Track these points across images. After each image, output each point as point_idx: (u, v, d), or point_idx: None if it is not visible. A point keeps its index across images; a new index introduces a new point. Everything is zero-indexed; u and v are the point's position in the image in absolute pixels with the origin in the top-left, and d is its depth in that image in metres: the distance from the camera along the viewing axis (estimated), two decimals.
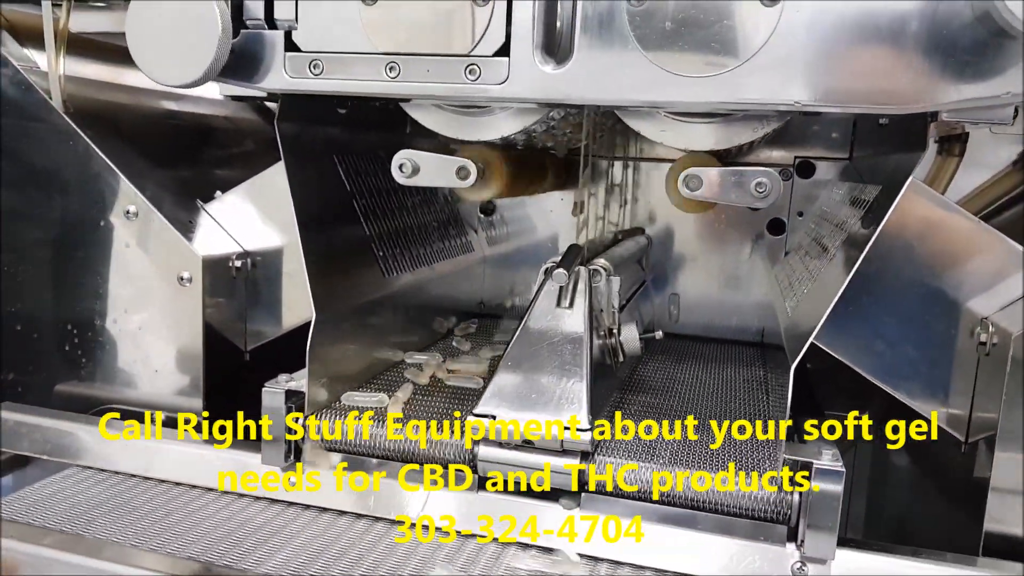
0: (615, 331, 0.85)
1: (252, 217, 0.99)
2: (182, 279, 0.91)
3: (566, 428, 0.69)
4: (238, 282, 0.97)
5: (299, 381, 0.78)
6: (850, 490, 1.24)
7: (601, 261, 0.85)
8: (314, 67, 0.73)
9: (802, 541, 0.65)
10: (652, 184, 1.30)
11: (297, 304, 1.01)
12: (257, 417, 0.79)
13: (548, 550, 0.71)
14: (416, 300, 1.06)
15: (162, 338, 0.93)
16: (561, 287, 0.79)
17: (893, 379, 0.82)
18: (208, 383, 0.93)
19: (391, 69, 0.71)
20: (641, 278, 1.20)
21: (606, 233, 1.19)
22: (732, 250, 1.27)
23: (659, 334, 0.87)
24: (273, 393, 0.77)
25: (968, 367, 0.78)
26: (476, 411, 0.72)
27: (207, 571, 0.65)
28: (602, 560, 0.70)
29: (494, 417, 0.71)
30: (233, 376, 0.98)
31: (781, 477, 0.66)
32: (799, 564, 0.66)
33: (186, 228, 0.93)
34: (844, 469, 0.64)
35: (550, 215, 1.35)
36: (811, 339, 0.65)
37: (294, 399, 0.77)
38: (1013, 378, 0.69)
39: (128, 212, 0.91)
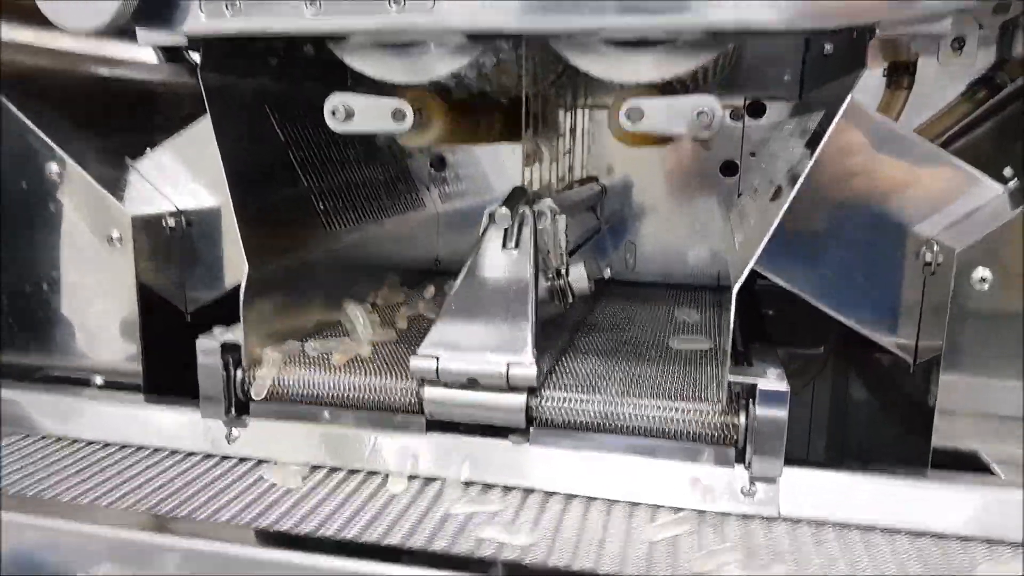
0: (563, 272, 0.83)
1: (184, 174, 0.95)
2: (111, 239, 0.87)
3: (511, 365, 0.67)
4: (173, 242, 0.94)
5: (235, 333, 0.75)
6: (810, 421, 1.25)
7: (547, 201, 0.83)
8: (230, 7, 0.70)
9: (750, 462, 0.65)
10: (606, 132, 1.28)
11: (238, 264, 0.98)
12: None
13: (502, 487, 0.70)
14: (365, 256, 1.04)
15: (97, 302, 0.90)
16: (506, 229, 0.77)
17: (841, 306, 0.82)
18: (147, 346, 0.91)
19: (312, 3, 0.68)
20: (595, 226, 1.19)
21: (559, 182, 1.17)
22: (687, 195, 1.26)
23: (608, 272, 0.86)
24: (207, 346, 0.74)
25: (915, 290, 0.78)
26: (419, 352, 0.70)
27: (163, 525, 0.63)
28: (554, 494, 0.69)
29: (437, 359, 0.69)
30: (175, 338, 0.95)
31: (727, 400, 0.65)
32: (747, 484, 0.65)
33: (114, 186, 0.89)
34: (788, 388, 0.63)
35: (504, 168, 1.32)
36: (752, 262, 0.63)
37: (231, 352, 0.75)
38: (956, 295, 0.69)
39: (52, 172, 0.87)
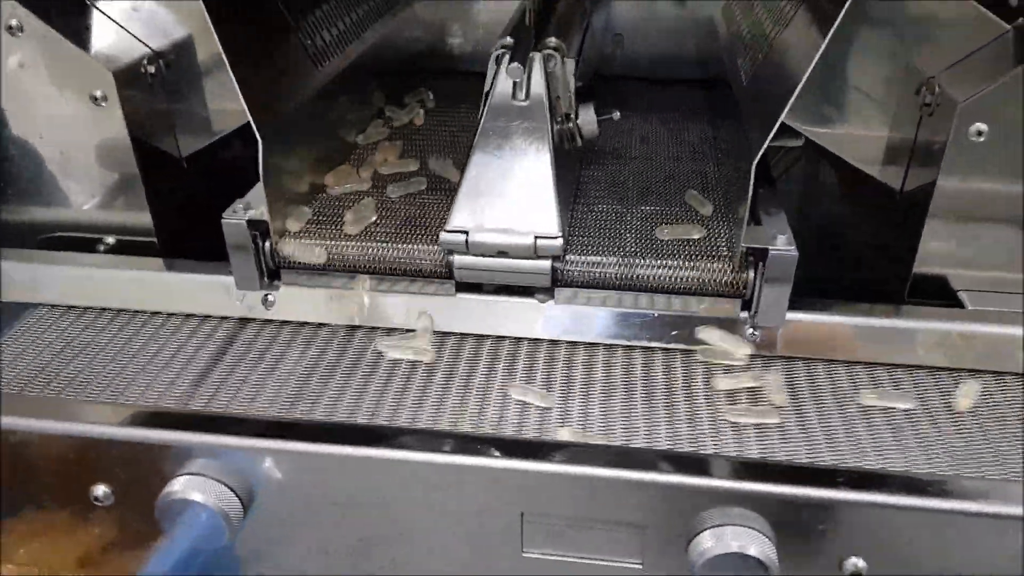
0: (572, 116, 0.83)
1: (150, 8, 0.88)
2: (95, 99, 0.82)
3: (538, 238, 0.71)
4: (156, 88, 0.89)
5: (258, 209, 0.76)
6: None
7: (553, 42, 0.80)
8: None
9: (756, 312, 0.72)
10: None
11: (224, 100, 0.95)
12: (211, 230, 0.78)
13: (530, 340, 0.78)
14: (354, 79, 1.00)
15: (91, 161, 0.87)
16: (515, 82, 0.76)
17: (839, 142, 0.85)
18: (152, 198, 0.90)
19: None
20: (584, 25, 1.14)
21: None
22: None
23: (616, 115, 0.86)
24: (234, 225, 0.75)
25: (908, 125, 0.81)
26: (448, 228, 0.73)
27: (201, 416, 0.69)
28: (577, 344, 0.77)
29: (466, 234, 0.72)
30: (176, 187, 0.94)
31: (740, 260, 0.71)
32: (751, 331, 0.74)
33: (82, 37, 0.83)
34: (797, 253, 0.69)
35: None
36: (775, 129, 0.65)
37: (256, 227, 0.76)
38: (953, 146, 0.73)
39: (11, 27, 0.79)
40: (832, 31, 0.63)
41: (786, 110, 0.64)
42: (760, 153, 0.66)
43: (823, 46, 0.64)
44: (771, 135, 0.65)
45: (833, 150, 0.89)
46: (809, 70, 0.64)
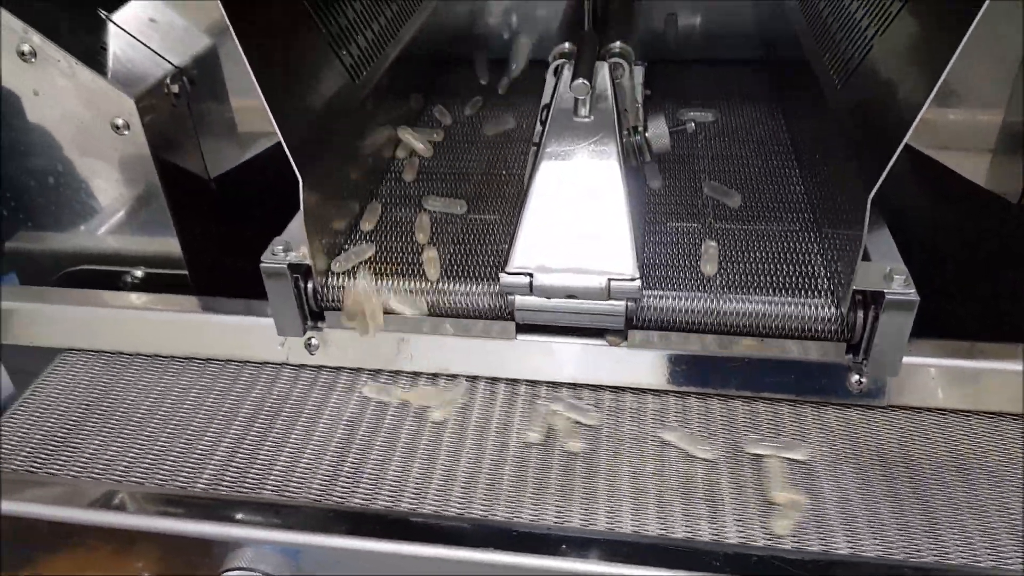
0: (639, 128, 0.74)
1: (171, 20, 0.80)
2: (117, 127, 0.75)
3: (612, 280, 0.63)
4: (180, 109, 0.81)
5: (299, 250, 0.68)
6: None
7: (618, 47, 0.71)
8: None
9: (865, 359, 0.64)
10: None
11: (252, 116, 0.87)
12: (245, 255, 0.71)
13: (598, 388, 0.70)
14: (391, 87, 0.91)
15: (115, 189, 0.80)
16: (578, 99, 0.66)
17: (929, 140, 0.75)
18: (180, 225, 0.83)
19: None
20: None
21: None
22: None
23: (691, 126, 0.76)
24: (275, 269, 0.68)
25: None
26: (508, 269, 0.64)
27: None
28: (655, 392, 0.69)
29: (531, 276, 0.64)
30: (205, 211, 0.87)
31: (850, 304, 0.62)
32: (858, 380, 0.65)
33: (99, 58, 0.75)
34: (918, 298, 0.60)
35: None
36: (894, 158, 0.56)
37: (298, 270, 0.69)
38: None
39: (23, 53, 0.72)
40: (962, 44, 0.53)
41: (908, 135, 0.54)
42: (878, 185, 0.56)
43: (952, 61, 0.53)
44: (890, 165, 0.55)
45: (925, 151, 0.79)
46: (935, 89, 0.54)
